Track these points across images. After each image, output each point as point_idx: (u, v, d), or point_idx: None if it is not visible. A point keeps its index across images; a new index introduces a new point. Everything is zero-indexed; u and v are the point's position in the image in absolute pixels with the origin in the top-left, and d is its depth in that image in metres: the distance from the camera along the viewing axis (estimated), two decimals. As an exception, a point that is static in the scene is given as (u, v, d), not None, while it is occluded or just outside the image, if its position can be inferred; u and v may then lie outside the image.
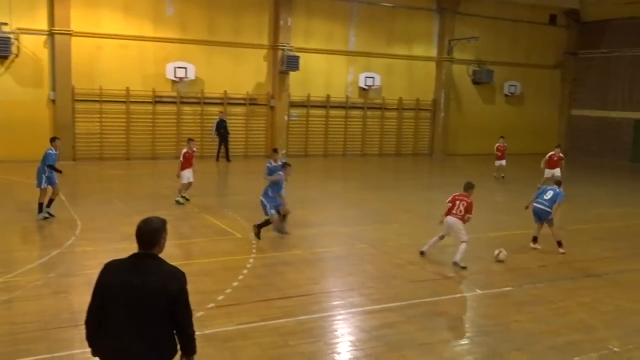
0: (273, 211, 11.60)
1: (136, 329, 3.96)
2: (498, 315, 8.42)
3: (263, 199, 11.80)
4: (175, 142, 24.35)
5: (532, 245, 12.00)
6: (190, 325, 4.18)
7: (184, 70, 23.57)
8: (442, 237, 10.93)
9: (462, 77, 30.28)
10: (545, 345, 7.31)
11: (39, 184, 12.89)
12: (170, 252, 10.68)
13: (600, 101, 31.58)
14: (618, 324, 8.11)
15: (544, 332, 7.75)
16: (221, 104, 24.94)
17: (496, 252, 10.92)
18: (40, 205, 12.92)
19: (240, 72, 25.10)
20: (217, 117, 24.58)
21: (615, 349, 7.28)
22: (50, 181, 12.99)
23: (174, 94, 24.04)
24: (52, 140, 13.33)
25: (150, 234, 4.11)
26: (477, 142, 30.21)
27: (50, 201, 13.07)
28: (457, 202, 10.81)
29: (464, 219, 10.66)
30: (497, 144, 22.21)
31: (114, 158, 22.99)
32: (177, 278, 4.10)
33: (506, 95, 31.50)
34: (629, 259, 11.72)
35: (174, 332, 4.10)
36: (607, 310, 8.60)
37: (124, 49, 23.00)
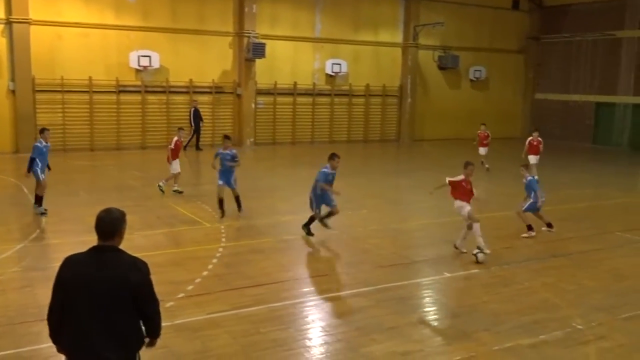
0: (318, 211, 11.14)
1: (100, 323, 3.91)
2: (466, 297, 8.57)
3: (312, 196, 11.33)
4: (141, 132, 24.02)
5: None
6: (158, 314, 4.15)
7: (147, 58, 23.19)
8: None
9: (428, 63, 30.48)
10: (511, 325, 7.47)
11: (37, 178, 12.40)
12: (138, 243, 10.66)
13: (563, 85, 32.16)
14: (581, 303, 8.32)
15: (510, 312, 7.91)
16: (187, 92, 24.65)
17: (475, 251, 10.03)
18: (40, 198, 12.50)
19: (205, 60, 24.82)
20: (188, 106, 24.35)
21: (579, 327, 7.47)
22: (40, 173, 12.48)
23: (138, 83, 23.65)
24: (41, 131, 12.78)
25: (111, 223, 4.05)
26: (443, 127, 30.55)
27: (36, 197, 12.59)
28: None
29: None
30: (478, 131, 21.23)
31: (77, 149, 22.55)
32: (138, 269, 4.03)
33: (471, 80, 31.84)
34: (591, 239, 12.01)
35: (140, 322, 4.07)
36: (571, 290, 8.82)
37: (85, 38, 22.50)
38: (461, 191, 10.36)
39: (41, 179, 12.42)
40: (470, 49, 31.24)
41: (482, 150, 20.80)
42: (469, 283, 9.15)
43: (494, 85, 32.64)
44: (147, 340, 4.22)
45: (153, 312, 4.11)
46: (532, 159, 18.74)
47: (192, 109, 24.22)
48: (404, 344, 6.85)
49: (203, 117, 24.64)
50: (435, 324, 7.71)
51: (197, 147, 24.33)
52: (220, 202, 12.58)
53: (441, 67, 30.74)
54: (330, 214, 11.37)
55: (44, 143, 12.53)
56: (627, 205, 15.72)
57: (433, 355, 6.63)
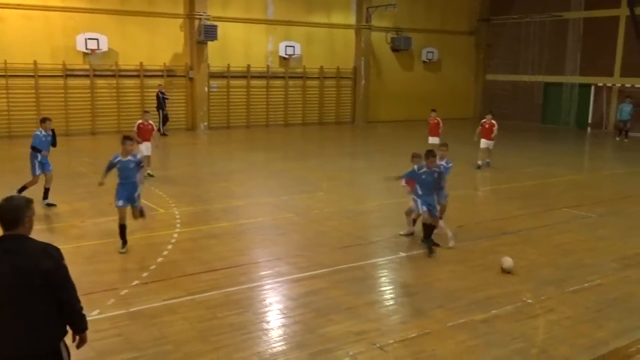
0: (424, 207, 9.64)
1: (12, 316, 3.79)
2: (421, 276, 8.72)
3: (414, 197, 9.93)
4: (90, 117, 23.42)
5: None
6: (76, 300, 4.04)
7: (95, 41, 22.54)
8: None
9: (381, 45, 30.60)
10: (465, 301, 7.65)
11: (33, 172, 11.87)
12: (89, 231, 10.41)
13: (513, 66, 32.80)
14: (530, 278, 8.58)
15: (464, 288, 8.10)
16: (137, 76, 24.10)
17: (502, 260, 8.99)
18: (46, 190, 11.96)
19: (156, 43, 24.29)
20: (138, 90, 23.79)
21: (529, 301, 7.71)
22: (44, 168, 11.97)
23: (86, 66, 23.00)
24: (42, 121, 12.22)
25: (12, 211, 3.88)
26: (397, 109, 30.83)
27: (46, 191, 12.00)
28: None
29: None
30: (429, 118, 19.10)
31: (23, 136, 21.76)
32: (50, 255, 3.91)
33: (424, 62, 32.15)
34: (540, 215, 12.36)
35: (58, 311, 3.96)
36: (521, 265, 9.07)
37: (28, 20, 21.69)
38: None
39: (36, 174, 11.90)
40: (422, 31, 31.49)
41: (433, 140, 18.12)
42: (424, 262, 9.31)
43: (446, 66, 33.05)
44: (77, 339, 4.13)
45: (69, 298, 3.98)
46: (484, 142, 17.90)
47: (161, 94, 23.79)
48: (361, 323, 6.94)
49: (149, 103, 24.13)
50: (391, 302, 7.83)
51: (163, 133, 23.98)
52: (122, 229, 9.28)
53: (394, 49, 30.92)
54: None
55: (44, 132, 12.00)
56: (573, 183, 16.23)
57: (389, 334, 6.74)
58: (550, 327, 6.98)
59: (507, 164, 18.57)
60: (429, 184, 9.65)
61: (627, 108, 25.81)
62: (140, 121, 15.22)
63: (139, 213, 9.64)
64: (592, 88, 28.97)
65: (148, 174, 14.79)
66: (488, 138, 17.82)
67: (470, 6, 33.43)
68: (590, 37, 29.32)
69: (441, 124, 18.57)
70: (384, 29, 30.39)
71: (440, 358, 6.19)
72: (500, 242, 10.37)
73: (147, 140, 15.02)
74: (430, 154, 9.70)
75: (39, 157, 11.87)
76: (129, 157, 9.32)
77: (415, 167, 9.81)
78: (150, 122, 15.36)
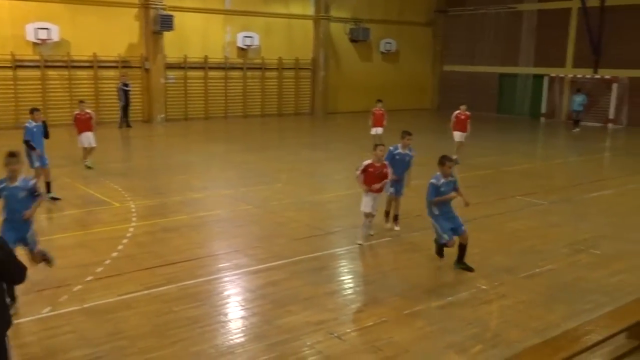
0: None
1: None
2: (378, 265, 8.81)
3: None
4: (42, 109, 22.73)
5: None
6: (23, 279, 4.18)
7: (46, 31, 21.93)
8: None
9: (339, 36, 30.63)
10: (421, 289, 7.76)
11: (31, 164, 11.49)
12: (40, 226, 10.16)
13: (469, 57, 33.28)
14: (485, 264, 8.75)
15: (420, 276, 8.22)
16: (91, 67, 23.55)
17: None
18: (47, 184, 11.67)
19: (110, 33, 23.75)
20: (92, 81, 23.24)
21: (483, 287, 7.88)
22: (42, 162, 11.63)
23: (37, 57, 22.34)
24: (31, 111, 11.90)
25: None
26: (356, 100, 30.91)
27: (47, 185, 11.71)
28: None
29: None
30: (374, 108, 18.80)
31: (-28, 129, 21.12)
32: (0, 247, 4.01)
33: (382, 53, 32.33)
34: (495, 203, 12.61)
35: (4, 302, 4.09)
36: (476, 252, 9.23)
37: (-26, 9, 20.95)
38: (370, 179, 9.29)
39: (34, 166, 11.55)
40: (380, 22, 31.63)
41: (377, 130, 18.22)
42: (382, 251, 9.40)
43: (404, 57, 33.30)
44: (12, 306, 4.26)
45: (22, 278, 4.15)
46: (457, 135, 17.06)
47: (121, 84, 23.32)
48: (319, 313, 6.97)
49: (104, 95, 23.77)
50: (349, 292, 7.88)
51: (127, 124, 23.53)
52: None
53: (353, 40, 30.98)
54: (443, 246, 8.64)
55: (33, 124, 11.68)
56: (527, 171, 16.59)
57: (347, 323, 6.79)
58: (504, 312, 7.15)
59: (465, 153, 18.82)
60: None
61: (578, 99, 26.31)
62: (77, 112, 14.97)
63: (40, 258, 7.16)
64: (546, 79, 29.62)
65: (86, 165, 14.64)
66: (463, 130, 17.08)
67: (427, -3, 33.76)
68: (543, 28, 29.95)
69: (386, 115, 18.43)
70: (343, 20, 30.41)
71: (397, 345, 6.27)
72: (456, 230, 10.52)
73: (88, 130, 14.76)
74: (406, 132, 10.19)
75: (34, 154, 11.62)
76: (18, 183, 6.78)
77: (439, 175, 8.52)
78: (88, 111, 15.10)
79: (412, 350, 6.17)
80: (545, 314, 7.07)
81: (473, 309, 7.19)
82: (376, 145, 9.65)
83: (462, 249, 8.47)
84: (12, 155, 6.85)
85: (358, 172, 9.43)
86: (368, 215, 9.49)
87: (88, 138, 14.86)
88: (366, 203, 9.39)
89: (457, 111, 17.37)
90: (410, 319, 6.88)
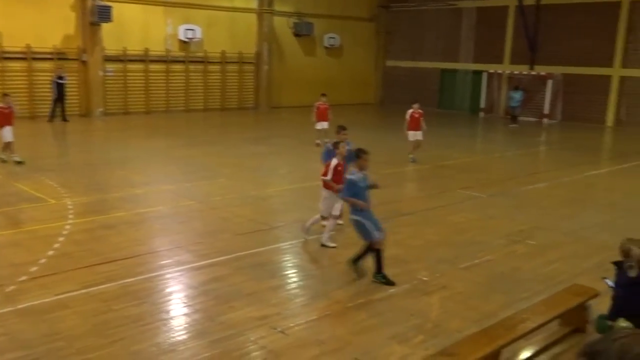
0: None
1: None
2: (322, 259, 8.85)
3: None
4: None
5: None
6: None
7: (-25, 21, 20.94)
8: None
9: (283, 30, 30.52)
10: (364, 282, 7.84)
11: None
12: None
13: (411, 52, 33.77)
14: (426, 256, 8.93)
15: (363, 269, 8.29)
16: (24, 59, 22.65)
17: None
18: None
19: (44, 24, 22.89)
20: (25, 74, 22.35)
21: (424, 278, 8.03)
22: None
23: (-34, 48, 21.33)
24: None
25: None
26: (300, 94, 30.85)
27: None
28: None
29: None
30: (318, 102, 18.57)
31: None
32: None
33: (326, 48, 32.41)
34: (436, 197, 12.87)
35: None
36: (417, 245, 9.43)
37: None
38: (339, 179, 8.79)
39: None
40: (323, 16, 31.69)
41: (322, 125, 18.12)
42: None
43: (347, 52, 33.49)
44: None
45: None
46: (411, 135, 16.47)
47: (55, 77, 22.49)
48: (263, 308, 6.95)
49: (38, 88, 22.96)
50: (293, 286, 7.89)
51: (64, 119, 22.70)
52: None
53: (296, 34, 30.93)
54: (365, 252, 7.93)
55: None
56: (467, 165, 16.99)
57: (290, 317, 6.79)
58: (444, 303, 7.31)
59: (405, 148, 19.11)
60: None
61: (516, 95, 26.95)
62: (0, 105, 14.58)
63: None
64: (484, 75, 30.39)
65: (15, 161, 14.20)
66: (417, 129, 16.52)
67: (370, -7, 34.04)
68: (482, 25, 30.70)
69: (330, 109, 18.40)
70: (286, 14, 30.30)
71: (340, 338, 6.32)
72: (398, 223, 10.68)
73: (9, 124, 14.40)
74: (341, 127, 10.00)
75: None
76: None
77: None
78: (11, 105, 14.68)
79: (355, 343, 6.23)
80: (484, 304, 7.27)
81: (414, 301, 7.33)
82: (336, 143, 9.17)
83: (379, 256, 7.75)
84: None
85: (329, 177, 8.91)
86: (338, 218, 9.27)
87: (9, 132, 14.43)
88: (336, 205, 9.11)
89: (411, 110, 16.71)
90: (353, 312, 6.95)
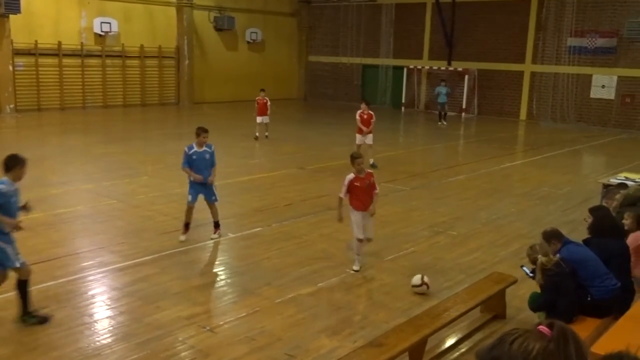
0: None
1: None
2: (249, 256, 8.80)
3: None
4: None
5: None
6: None
7: None
8: None
9: (204, 24, 30.00)
10: (292, 277, 7.88)
11: None
12: None
13: (333, 48, 34.05)
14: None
15: (291, 264, 8.33)
16: None
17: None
18: None
19: (-54, 15, 21.46)
20: None
21: (352, 272, 8.15)
22: None
23: None
24: None
25: None
26: (223, 90, 30.55)
27: None
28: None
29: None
30: (257, 97, 19.29)
31: None
32: None
33: (248, 42, 32.14)
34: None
35: None
36: (345, 239, 9.51)
37: None
38: (358, 195, 8.04)
39: None
40: (245, 11, 31.40)
41: (262, 119, 18.89)
42: (252, 241, 9.40)
43: (270, 47, 33.35)
44: None
45: None
46: (359, 139, 15.35)
47: None
48: (190, 307, 6.85)
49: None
50: (221, 284, 7.82)
51: None
52: None
53: (217, 29, 30.48)
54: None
55: None
56: (390, 158, 17.34)
57: (219, 315, 6.74)
58: (371, 295, 7.46)
59: (328, 143, 19.32)
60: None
61: (442, 90, 25.69)
62: None
63: None
64: (405, 70, 31.10)
65: None
66: (369, 130, 15.33)
67: (292, -12, 34.02)
68: (401, 22, 31.36)
69: (269, 104, 19.01)
70: (207, 8, 29.79)
71: (270, 334, 6.32)
72: (325, 217, 10.78)
73: None
74: (201, 129, 9.06)
75: None
76: None
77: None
78: None
79: (285, 338, 6.25)
80: (409, 295, 7.47)
81: (342, 294, 7.43)
82: (354, 158, 8.12)
83: (25, 290, 6.39)
84: None
85: (342, 195, 8.05)
86: (362, 241, 8.10)
87: None
88: (357, 224, 8.01)
89: (359, 110, 15.53)
90: (282, 307, 6.97)
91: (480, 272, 8.11)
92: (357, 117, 15.54)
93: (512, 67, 27.99)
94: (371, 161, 15.26)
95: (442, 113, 25.52)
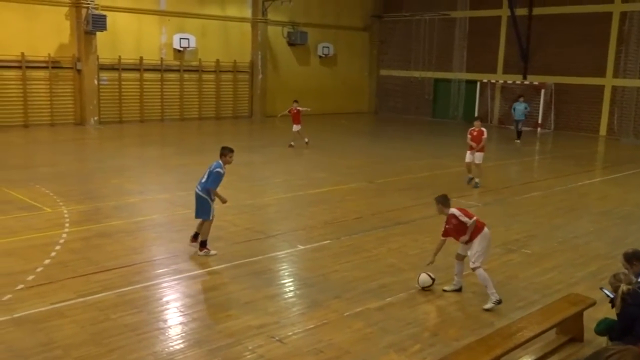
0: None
1: None
2: (318, 268, 8.84)
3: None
4: (-34, 111, 21.73)
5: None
6: None
7: (-31, 29, 20.90)
8: None
9: (277, 39, 30.61)
10: (361, 290, 7.86)
11: None
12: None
13: (404, 62, 33.92)
14: (423, 265, 8.88)
15: (359, 278, 8.31)
16: (19, 67, 22.61)
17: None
18: None
19: (38, 32, 22.86)
20: (20, 82, 22.34)
21: (443, 290, 8.01)
22: None
23: (-40, 56, 21.28)
24: None
25: None
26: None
27: None
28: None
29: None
30: (290, 107, 20.48)
31: None
32: None
33: (320, 57, 32.51)
34: (431, 205, 12.69)
35: None
36: (414, 254, 9.45)
37: None
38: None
39: None
40: (317, 26, 31.81)
41: (296, 127, 20.05)
42: (321, 254, 9.45)
43: (341, 61, 33.60)
44: None
45: None
46: (468, 156, 15.06)
47: None
48: (260, 317, 6.95)
49: (32, 96, 23.03)
50: (290, 295, 7.89)
51: None
52: None
53: (290, 43, 31.03)
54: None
55: None
56: (461, 174, 17.01)
57: (288, 326, 6.79)
58: (441, 311, 7.34)
59: (400, 156, 19.21)
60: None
61: (519, 107, 24.65)
62: None
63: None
64: (478, 84, 30.56)
65: None
66: (477, 146, 14.95)
67: (363, 3, 34.19)
68: (475, 35, 30.90)
69: (301, 112, 20.17)
70: (280, 23, 30.41)
71: (338, 347, 6.32)
72: (393, 232, 10.73)
73: None
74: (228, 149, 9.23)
75: None
76: None
77: None
78: None
79: (353, 351, 6.24)
80: (480, 313, 7.29)
81: (411, 309, 7.35)
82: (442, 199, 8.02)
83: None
84: None
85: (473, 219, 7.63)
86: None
87: None
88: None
89: (471, 128, 15.41)
90: (350, 321, 6.96)
91: (556, 292, 7.83)
92: (468, 134, 15.26)
93: (592, 80, 26.98)
94: (476, 180, 14.99)
95: (518, 130, 24.49)
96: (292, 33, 30.70)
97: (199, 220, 9.21)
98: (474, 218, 7.63)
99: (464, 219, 7.59)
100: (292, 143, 20.19)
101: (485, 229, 7.65)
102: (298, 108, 19.89)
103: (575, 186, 15.63)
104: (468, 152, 15.15)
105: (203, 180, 9.15)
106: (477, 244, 7.56)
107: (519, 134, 24.54)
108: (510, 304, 7.57)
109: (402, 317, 7.10)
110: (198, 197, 9.13)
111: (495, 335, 5.88)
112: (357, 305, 7.36)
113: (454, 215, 7.68)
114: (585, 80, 27.14)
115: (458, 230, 7.69)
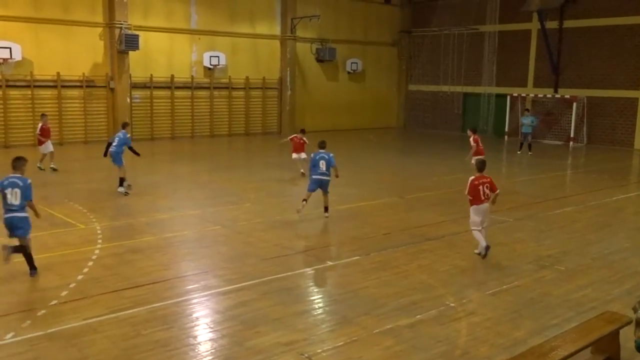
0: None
1: None
2: (348, 284, 8.81)
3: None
4: (4, 129, 22.32)
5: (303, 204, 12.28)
6: None
7: (8, 50, 21.56)
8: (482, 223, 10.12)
9: (306, 55, 30.85)
10: (391, 307, 7.80)
11: None
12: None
13: (433, 76, 33.84)
14: (453, 282, 8.85)
15: (389, 295, 8.25)
16: (55, 86, 23.21)
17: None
18: None
19: (73, 52, 23.49)
20: (56, 101, 22.90)
21: (452, 304, 7.95)
22: None
23: (-1, 76, 21.95)
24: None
25: None
26: (323, 119, 31.11)
27: None
28: (481, 187, 10.18)
29: (493, 200, 10.18)
30: (295, 135, 18.66)
31: None
32: None
33: (348, 72, 32.64)
34: (461, 221, 12.75)
35: None
36: (444, 270, 9.35)
37: None
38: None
39: None
40: (346, 42, 31.99)
41: (300, 155, 18.18)
42: (350, 270, 9.42)
43: (369, 77, 33.69)
44: None
45: None
46: None
47: None
48: (289, 334, 6.94)
49: (66, 114, 23.81)
50: (319, 311, 7.86)
51: None
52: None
53: (319, 60, 31.25)
54: None
55: None
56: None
57: (317, 343, 6.77)
58: (472, 329, 7.22)
59: (430, 171, 19.10)
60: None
61: (526, 121, 24.65)
62: (41, 124, 17.94)
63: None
64: (508, 98, 30.27)
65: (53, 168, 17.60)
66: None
67: (392, 18, 34.29)
68: (504, 49, 30.68)
69: (306, 143, 18.18)
70: (309, 40, 30.66)
71: (368, 364, 6.27)
72: (423, 248, 10.64)
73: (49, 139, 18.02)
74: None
75: None
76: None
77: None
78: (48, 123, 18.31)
79: (383, 369, 6.17)
80: (512, 330, 7.17)
81: (442, 327, 7.25)
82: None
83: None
84: None
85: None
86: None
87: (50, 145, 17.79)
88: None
89: (471, 137, 17.42)
90: (380, 338, 6.90)
91: (591, 310, 7.65)
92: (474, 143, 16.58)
93: (626, 93, 26.52)
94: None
95: (524, 143, 24.59)
96: (321, 49, 30.91)
97: None
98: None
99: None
100: (302, 170, 17.82)
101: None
102: (304, 139, 18.33)
103: (609, 201, 15.32)
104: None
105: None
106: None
107: (529, 146, 24.59)
108: (543, 321, 7.42)
109: (433, 335, 7.01)
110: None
111: (528, 353, 5.76)
112: (387, 322, 7.30)
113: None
114: (618, 92, 26.69)
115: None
